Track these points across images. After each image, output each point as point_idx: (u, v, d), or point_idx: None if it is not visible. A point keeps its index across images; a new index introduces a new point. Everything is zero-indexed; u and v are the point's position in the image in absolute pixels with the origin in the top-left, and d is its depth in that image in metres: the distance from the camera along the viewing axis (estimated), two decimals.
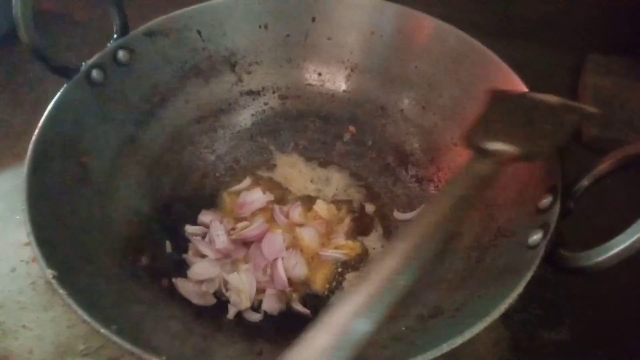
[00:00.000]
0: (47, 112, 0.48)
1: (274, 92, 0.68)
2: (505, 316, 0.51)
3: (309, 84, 0.68)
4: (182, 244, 0.55)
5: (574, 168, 0.42)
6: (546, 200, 0.42)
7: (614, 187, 0.54)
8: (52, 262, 0.38)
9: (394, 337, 0.43)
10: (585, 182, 0.41)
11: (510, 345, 0.52)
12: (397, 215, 0.59)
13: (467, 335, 0.34)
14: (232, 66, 0.66)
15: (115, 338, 0.34)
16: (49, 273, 0.37)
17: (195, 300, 0.49)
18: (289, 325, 0.49)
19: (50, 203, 0.44)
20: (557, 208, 0.40)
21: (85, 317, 0.35)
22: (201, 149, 0.64)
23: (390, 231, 0.58)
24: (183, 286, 0.50)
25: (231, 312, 0.49)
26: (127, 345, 0.34)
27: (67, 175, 0.48)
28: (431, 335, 0.40)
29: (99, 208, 0.50)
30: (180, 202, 0.58)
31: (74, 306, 0.35)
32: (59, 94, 0.50)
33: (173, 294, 0.49)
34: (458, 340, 0.34)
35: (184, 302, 0.48)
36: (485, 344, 0.52)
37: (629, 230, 0.33)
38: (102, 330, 0.34)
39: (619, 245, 0.33)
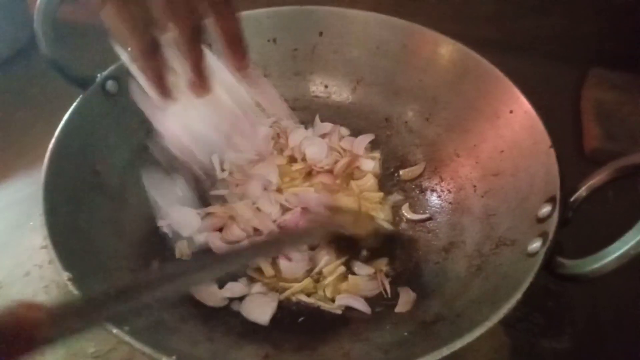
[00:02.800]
0: (64, 122, 0.50)
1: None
2: (506, 325, 0.53)
3: (316, 96, 0.70)
4: None
5: (575, 179, 0.43)
6: (545, 210, 0.43)
7: (612, 196, 0.55)
8: (68, 265, 0.39)
9: (396, 342, 0.45)
10: (583, 193, 0.42)
11: (512, 354, 0.52)
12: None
13: (467, 339, 0.35)
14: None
15: (127, 338, 0.35)
16: (65, 275, 0.39)
17: (208, 301, 0.50)
18: (294, 330, 0.50)
19: (66, 209, 0.46)
20: (555, 217, 0.41)
21: None
22: None
23: None
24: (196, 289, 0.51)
25: None
26: (139, 345, 0.35)
27: (82, 182, 0.50)
28: (432, 341, 0.41)
29: (112, 214, 0.51)
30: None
31: None
32: (75, 104, 0.52)
33: (183, 297, 0.50)
34: (457, 344, 0.35)
35: (194, 306, 0.50)
36: (486, 353, 0.52)
37: (622, 239, 0.34)
38: (115, 331, 0.36)
39: (614, 253, 0.34)
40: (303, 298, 0.52)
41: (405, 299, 0.51)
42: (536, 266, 0.38)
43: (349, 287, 0.53)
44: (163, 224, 0.55)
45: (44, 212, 0.43)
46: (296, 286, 0.53)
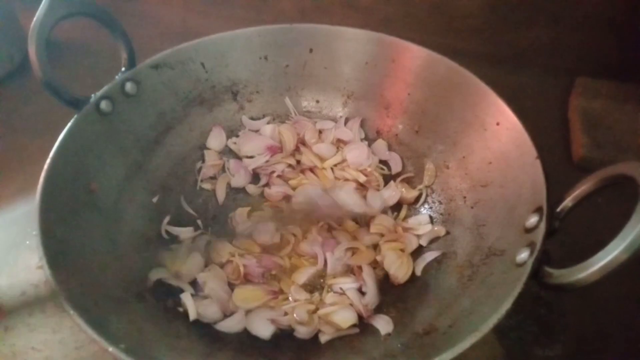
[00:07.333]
0: (59, 142, 0.51)
1: (274, 119, 0.71)
2: (500, 333, 0.54)
3: (308, 111, 0.71)
4: None
5: (563, 187, 0.43)
6: (533, 220, 0.44)
7: (600, 205, 0.56)
8: (63, 284, 0.40)
9: (389, 354, 0.45)
10: (569, 203, 0.43)
11: None
12: None
13: (457, 350, 0.36)
14: (234, 95, 0.69)
15: (123, 356, 0.36)
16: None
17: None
18: (290, 344, 0.50)
19: (60, 228, 0.46)
20: (543, 228, 0.42)
21: (95, 336, 0.37)
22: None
23: None
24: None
25: None
26: None
27: (77, 201, 0.51)
28: (424, 352, 0.42)
29: (106, 232, 0.52)
30: (185, 225, 0.60)
31: (84, 326, 0.37)
32: (69, 124, 0.53)
33: (178, 314, 0.51)
34: (448, 355, 0.35)
35: (189, 322, 0.50)
36: None
37: (606, 249, 0.35)
38: (111, 349, 0.36)
39: (597, 263, 0.35)
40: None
41: (384, 325, 0.51)
42: (524, 276, 0.39)
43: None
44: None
45: (39, 231, 0.43)
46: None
